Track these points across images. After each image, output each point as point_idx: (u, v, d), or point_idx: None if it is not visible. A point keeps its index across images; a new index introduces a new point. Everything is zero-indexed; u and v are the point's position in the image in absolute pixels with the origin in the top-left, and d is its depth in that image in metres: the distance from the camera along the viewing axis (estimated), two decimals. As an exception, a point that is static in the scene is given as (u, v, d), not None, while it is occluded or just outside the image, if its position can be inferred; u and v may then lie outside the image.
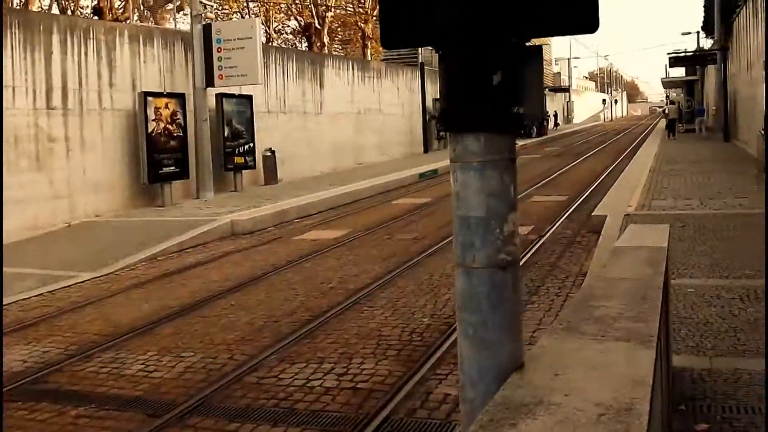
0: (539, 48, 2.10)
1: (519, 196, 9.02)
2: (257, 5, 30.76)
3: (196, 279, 9.22)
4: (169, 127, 15.74)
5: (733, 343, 5.32)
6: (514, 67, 1.99)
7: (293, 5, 31.97)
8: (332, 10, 31.57)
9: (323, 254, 10.35)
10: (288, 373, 5.54)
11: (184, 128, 16.22)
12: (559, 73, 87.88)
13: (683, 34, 48.83)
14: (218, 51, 16.92)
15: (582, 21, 1.94)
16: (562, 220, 12.26)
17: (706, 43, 41.39)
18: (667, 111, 44.61)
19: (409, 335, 6.35)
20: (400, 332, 6.45)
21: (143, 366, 5.92)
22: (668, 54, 39.04)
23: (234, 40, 16.94)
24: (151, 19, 26.99)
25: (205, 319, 7.25)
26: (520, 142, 36.90)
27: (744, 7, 25.07)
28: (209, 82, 16.96)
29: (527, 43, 2.05)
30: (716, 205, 11.69)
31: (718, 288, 6.85)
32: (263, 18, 31.57)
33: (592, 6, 1.93)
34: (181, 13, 27.49)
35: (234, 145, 18.07)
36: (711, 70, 35.94)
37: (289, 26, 35.83)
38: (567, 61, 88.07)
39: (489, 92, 1.97)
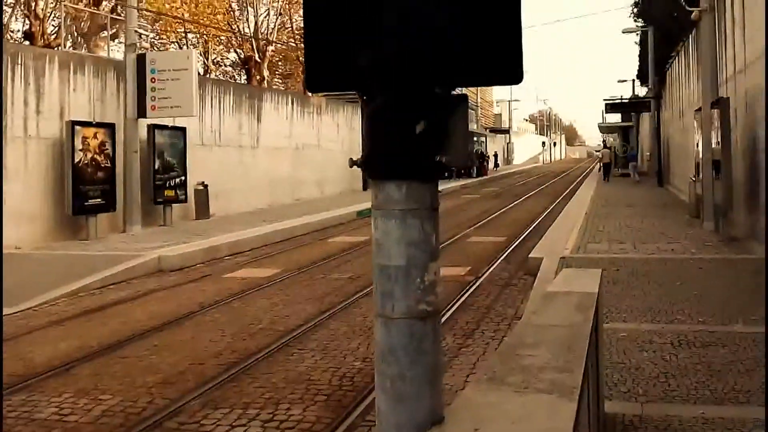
0: (464, 96, 2.12)
1: (457, 236, 9.10)
2: (196, 36, 30.58)
3: (118, 317, 8.91)
4: (97, 157, 15.38)
5: (664, 389, 5.39)
6: (438, 116, 2.00)
7: (234, 38, 31.91)
8: (273, 44, 31.62)
9: (254, 293, 10.15)
10: (210, 419, 5.36)
11: (113, 159, 15.88)
12: (500, 115, 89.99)
13: (619, 81, 50.57)
14: (152, 81, 16.72)
15: (507, 73, 1.97)
16: (499, 261, 12.36)
17: (642, 91, 42.96)
18: (601, 155, 45.73)
19: (339, 380, 6.24)
20: (330, 376, 6.33)
21: (57, 409, 5.65)
22: (605, 100, 40.34)
23: (169, 70, 16.77)
24: (85, 46, 26.54)
25: (125, 359, 7.00)
26: (460, 182, 37.49)
27: (676, 58, 26.18)
28: (141, 112, 16.70)
29: (453, 92, 2.06)
30: (649, 249, 11.99)
31: (650, 333, 6.97)
32: (202, 49, 31.44)
33: (516, 58, 1.95)
34: (116, 41, 27.11)
35: (165, 177, 17.76)
36: (646, 117, 37.27)
37: (228, 58, 35.69)
38: (508, 103, 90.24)
39: (412, 140, 1.97)
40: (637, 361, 6.10)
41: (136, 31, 16.90)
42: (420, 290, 2.00)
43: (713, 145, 13.60)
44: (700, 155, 14.74)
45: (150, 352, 7.23)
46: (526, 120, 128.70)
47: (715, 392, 5.28)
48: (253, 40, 31.53)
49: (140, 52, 16.98)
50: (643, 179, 35.12)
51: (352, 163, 2.09)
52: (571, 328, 3.21)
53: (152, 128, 17.37)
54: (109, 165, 15.74)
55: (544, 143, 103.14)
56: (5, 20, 22.82)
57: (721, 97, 13.46)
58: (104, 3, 24.82)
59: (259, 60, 31.55)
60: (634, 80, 44.74)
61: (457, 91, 2.13)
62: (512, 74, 1.97)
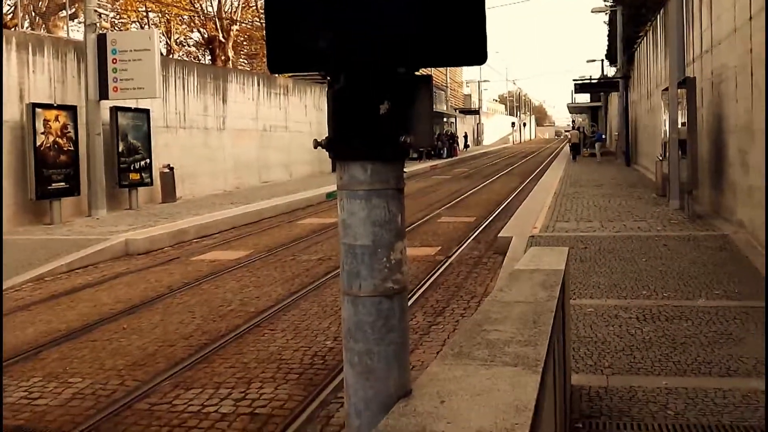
0: (428, 77, 2.13)
1: (428, 217, 9.19)
2: (158, 15, 30.14)
3: (85, 301, 8.87)
4: (60, 140, 15.18)
5: (629, 362, 5.55)
6: (402, 97, 2.03)
7: (197, 17, 31.50)
8: (238, 23, 31.28)
9: (223, 276, 10.16)
10: (182, 400, 5.40)
11: (76, 142, 15.68)
12: (470, 95, 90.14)
13: (588, 61, 51.00)
14: (114, 62, 16.50)
15: (470, 53, 1.99)
16: (469, 241, 12.50)
17: (611, 71, 43.37)
18: (569, 136, 46.89)
19: (311, 358, 6.31)
20: (301, 356, 6.40)
21: (26, 393, 5.65)
22: (574, 81, 40.75)
23: (131, 51, 16.55)
24: (44, 26, 26.03)
25: (94, 343, 6.99)
26: (430, 163, 37.61)
27: (644, 38, 26.46)
28: (103, 94, 16.49)
29: (417, 72, 2.09)
30: (616, 227, 12.20)
31: (617, 308, 7.14)
32: (164, 29, 30.99)
33: (480, 38, 1.98)
34: (76, 21, 26.63)
35: (129, 160, 17.59)
36: (615, 97, 37.66)
37: (192, 38, 35.24)
38: (477, 83, 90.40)
39: (376, 121, 1.99)
40: (603, 335, 6.26)
41: (95, 11, 16.62)
42: (387, 269, 2.05)
43: (679, 125, 13.84)
44: (667, 135, 14.98)
45: (119, 336, 7.22)
46: (496, 100, 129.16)
47: (678, 364, 5.45)
48: (216, 19, 31.18)
49: (101, 32, 16.71)
50: (611, 159, 35.56)
51: (317, 144, 2.12)
52: (536, 304, 3.30)
53: (115, 110, 17.16)
54: (71, 148, 15.54)
55: (513, 124, 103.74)
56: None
57: (687, 76, 13.67)
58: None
59: (223, 40, 31.23)
60: (603, 60, 45.17)
61: (422, 71, 2.17)
62: (476, 54, 1.99)
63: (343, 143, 2.06)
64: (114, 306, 8.50)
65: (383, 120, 2.00)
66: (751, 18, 9.81)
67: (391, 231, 2.06)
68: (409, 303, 7.98)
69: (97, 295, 9.20)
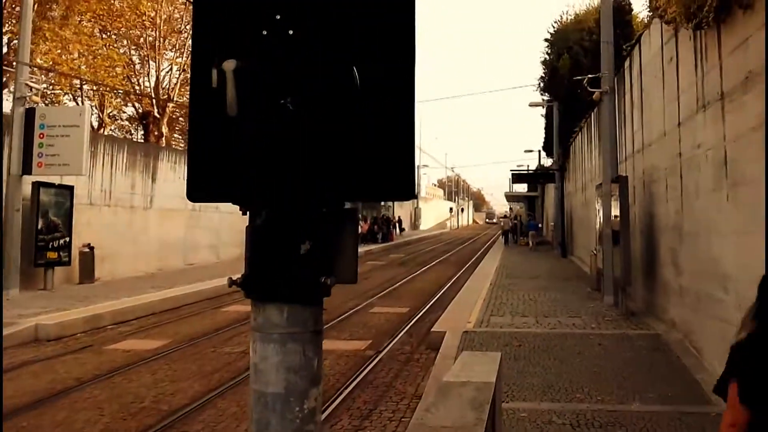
0: (353, 211, 2.10)
1: (359, 306, 9.04)
2: (92, 89, 29.94)
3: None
4: (-27, 215, 14.64)
5: (561, 475, 5.45)
6: (325, 234, 1.99)
7: (132, 93, 31.42)
8: (174, 101, 31.31)
9: (137, 368, 9.75)
10: None
11: (-9, 218, 15.16)
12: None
13: (526, 151, 52.89)
14: (41, 137, 16.28)
15: (398, 189, 1.97)
16: (401, 334, 12.38)
17: (548, 161, 44.79)
18: (503, 224, 52.32)
19: (225, 466, 6.02)
20: (215, 463, 6.10)
21: None
22: (511, 171, 41.94)
23: (59, 126, 16.38)
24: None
25: (-13, 444, 6.56)
26: (365, 248, 37.64)
27: (579, 133, 27.50)
28: (27, 169, 16.20)
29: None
30: (551, 323, 12.28)
31: (550, 412, 7.08)
32: (97, 102, 30.75)
33: (409, 175, 1.97)
34: (6, 90, 26.23)
35: (48, 238, 17.07)
36: (551, 187, 38.76)
37: (125, 112, 35.02)
38: (417, 168, 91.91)
39: (296, 261, 1.95)
40: (535, 443, 6.17)
41: (27, 85, 16.42)
42: (299, 419, 1.95)
43: (612, 220, 14.23)
44: (601, 230, 15.37)
45: (17, 436, 6.80)
46: (435, 185, 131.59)
47: (610, 477, 5.39)
48: (153, 95, 31.14)
49: (30, 106, 16.46)
50: (547, 249, 36.28)
51: (231, 282, 2.03)
52: (463, 430, 3.22)
53: (37, 186, 16.77)
54: (-15, 224, 15.01)
55: (451, 209, 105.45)
56: None
57: (620, 175, 14.16)
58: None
59: (158, 116, 31.14)
60: (540, 151, 46.68)
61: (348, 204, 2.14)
62: (404, 190, 1.97)
63: (259, 283, 1.98)
64: (16, 399, 8.03)
65: (304, 260, 1.95)
66: (679, 124, 10.28)
67: (306, 377, 1.97)
68: (335, 404, 7.82)
69: (-2, 387, 8.69)
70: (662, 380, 8.33)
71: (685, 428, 6.57)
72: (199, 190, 2.02)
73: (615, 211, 14.03)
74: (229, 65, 1.89)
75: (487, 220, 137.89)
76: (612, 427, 6.59)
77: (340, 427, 7.12)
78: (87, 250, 18.58)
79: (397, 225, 59.06)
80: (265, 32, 1.93)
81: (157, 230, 23.29)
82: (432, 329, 11.92)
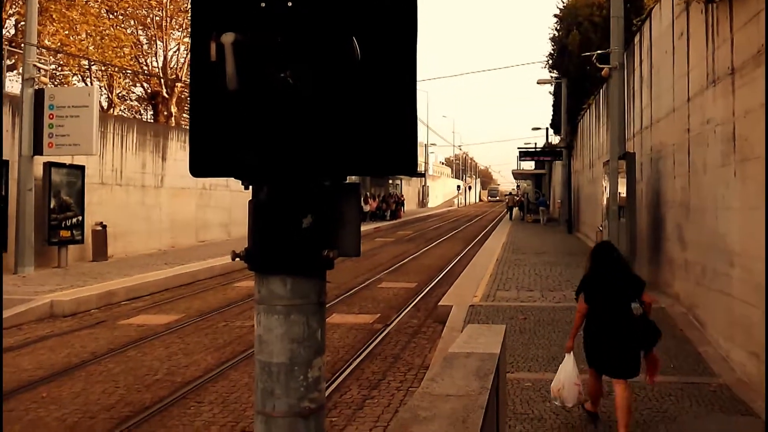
0: (356, 185, 2.11)
1: (368, 281, 9.15)
2: (100, 69, 29.98)
3: (4, 366, 8.53)
4: (-12, 195, 14.84)
5: (564, 442, 5.58)
6: (327, 208, 2.01)
7: (141, 73, 31.44)
8: (182, 80, 31.32)
9: (151, 342, 9.93)
10: (98, 480, 5.21)
11: (5, 197, 15.36)
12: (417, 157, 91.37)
13: (534, 129, 52.63)
14: (50, 118, 16.37)
15: (400, 163, 1.96)
16: (409, 308, 12.52)
17: (556, 139, 44.68)
18: (507, 201, 57.41)
19: (237, 435, 6.18)
20: (228, 431, 6.25)
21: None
22: (519, 149, 41.84)
23: (69, 107, 16.45)
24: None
25: (10, 414, 6.71)
26: (374, 225, 37.78)
27: (588, 110, 27.41)
28: (38, 150, 16.30)
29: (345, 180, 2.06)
30: (556, 297, 12.39)
31: (554, 383, 7.20)
32: (106, 83, 30.78)
33: (411, 149, 1.96)
34: (15, 72, 26.32)
35: (61, 217, 17.24)
36: (558, 165, 38.70)
37: (134, 92, 35.04)
38: (424, 146, 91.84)
39: (298, 234, 1.96)
40: (540, 411, 6.31)
41: (35, 65, 16.51)
42: (303, 387, 1.98)
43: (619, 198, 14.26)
44: (607, 207, 15.41)
45: (37, 405, 6.97)
46: (443, 163, 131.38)
47: (613, 444, 5.51)
48: (161, 74, 31.16)
49: (39, 87, 16.55)
50: (554, 225, 36.32)
51: (235, 255, 2.04)
52: (467, 398, 3.31)
53: (49, 166, 16.92)
54: (1, 204, 15.19)
55: (459, 187, 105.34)
56: None
57: (628, 151, 14.17)
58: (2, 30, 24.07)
59: (167, 96, 31.17)
60: (548, 129, 46.54)
61: (350, 179, 2.13)
62: (406, 164, 1.96)
63: (262, 256, 1.99)
64: (34, 372, 8.22)
65: (306, 233, 1.96)
66: (689, 99, 10.28)
67: (310, 348, 2.00)
68: (344, 375, 7.96)
69: (17, 360, 8.88)
70: (665, 352, 8.41)
71: (687, 397, 6.68)
72: (201, 165, 1.99)
73: (622, 187, 14.06)
74: (228, 38, 1.87)
75: (489, 198, 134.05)
76: (614, 396, 6.71)
77: (350, 396, 7.26)
78: (99, 228, 18.75)
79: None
80: (263, 4, 1.91)
81: (169, 209, 23.46)
82: (439, 303, 12.05)
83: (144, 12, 30.38)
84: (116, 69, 29.11)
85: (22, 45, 17.44)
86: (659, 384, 7.10)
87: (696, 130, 9.86)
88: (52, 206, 16.96)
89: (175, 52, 32.18)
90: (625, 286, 6.02)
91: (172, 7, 30.29)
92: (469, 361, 4.04)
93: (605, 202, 16.11)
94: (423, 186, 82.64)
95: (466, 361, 4.04)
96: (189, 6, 31.38)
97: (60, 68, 28.12)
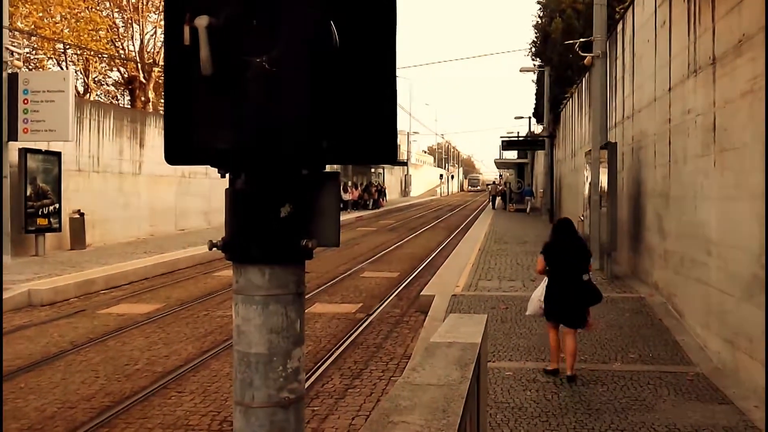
0: (335, 174, 2.09)
1: (350, 271, 9.26)
2: (75, 53, 29.70)
3: (-21, 358, 8.54)
4: (-39, 182, 14.71)
5: (545, 429, 5.69)
6: (305, 197, 1.99)
7: (117, 57, 31.18)
8: (159, 65, 31.09)
9: (130, 331, 9.93)
10: (77, 470, 5.26)
11: (-20, 184, 15.23)
12: (398, 146, 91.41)
13: (516, 118, 52.95)
14: (25, 102, 16.23)
15: (380, 152, 1.95)
16: (391, 298, 12.60)
17: (538, 128, 44.90)
18: (489, 189, 59.87)
19: (219, 425, 6.22)
20: (209, 421, 6.31)
21: None
22: (501, 138, 42.05)
23: (44, 92, 16.32)
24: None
25: (-14, 405, 6.74)
26: (356, 214, 37.83)
27: (570, 99, 27.56)
28: (12, 135, 16.15)
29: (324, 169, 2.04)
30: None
31: (534, 371, 7.34)
32: (82, 67, 30.51)
33: (391, 138, 1.95)
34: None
35: (37, 205, 17.13)
36: (540, 154, 38.91)
37: (111, 77, 34.76)
38: (407, 135, 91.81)
39: (276, 223, 1.94)
40: (520, 400, 6.41)
41: (7, 49, 16.34)
42: (282, 378, 1.98)
43: (600, 188, 14.43)
44: (589, 196, 15.58)
45: (15, 395, 6.97)
46: (425, 152, 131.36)
47: (592, 431, 5.63)
48: (138, 59, 30.92)
49: (12, 71, 16.40)
50: (536, 215, 36.56)
51: (212, 245, 2.01)
52: (448, 388, 3.37)
53: (24, 152, 16.78)
54: (-26, 190, 15.09)
55: (441, 176, 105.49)
56: None
57: (609, 141, 14.31)
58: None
59: (144, 81, 30.95)
60: (530, 118, 46.74)
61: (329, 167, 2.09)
62: (386, 153, 1.94)
63: (240, 246, 1.97)
64: (12, 362, 8.20)
65: (284, 222, 1.95)
66: (670, 89, 10.40)
67: (289, 338, 1.99)
68: (326, 364, 8.04)
69: (-7, 350, 8.88)
70: (644, 341, 8.59)
71: (665, 386, 6.82)
72: (177, 152, 1.96)
73: (603, 177, 14.22)
74: (202, 21, 1.81)
75: (470, 187, 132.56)
76: (594, 385, 6.84)
77: (332, 385, 7.34)
78: (77, 216, 18.66)
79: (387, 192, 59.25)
80: None
81: (148, 196, 23.35)
82: (421, 293, 12.13)
83: (119, -7, 30.11)
84: (92, 53, 28.85)
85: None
86: (637, 372, 7.26)
87: (677, 120, 9.99)
88: (28, 194, 16.84)
89: (152, 35, 31.87)
90: (579, 255, 7.47)
91: (147, -12, 30.03)
92: (451, 351, 4.12)
93: (587, 191, 16.28)
94: (405, 175, 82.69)
95: (447, 351, 4.12)
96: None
97: (34, 51, 27.83)
